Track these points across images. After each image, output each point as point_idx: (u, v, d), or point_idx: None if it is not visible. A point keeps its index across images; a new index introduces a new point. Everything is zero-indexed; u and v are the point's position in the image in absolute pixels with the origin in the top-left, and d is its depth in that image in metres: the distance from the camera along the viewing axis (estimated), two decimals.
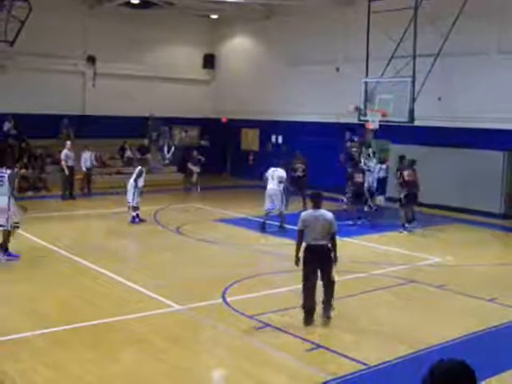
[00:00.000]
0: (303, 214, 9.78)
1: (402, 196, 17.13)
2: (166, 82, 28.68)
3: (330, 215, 9.51)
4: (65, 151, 21.91)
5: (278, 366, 8.03)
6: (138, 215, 17.54)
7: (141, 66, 27.78)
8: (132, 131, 26.85)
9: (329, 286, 9.55)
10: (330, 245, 9.50)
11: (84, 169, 22.83)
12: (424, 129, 20.39)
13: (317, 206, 9.63)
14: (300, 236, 9.54)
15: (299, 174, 20.25)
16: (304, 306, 9.46)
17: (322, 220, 9.41)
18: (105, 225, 17.76)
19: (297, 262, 9.54)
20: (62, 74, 26.07)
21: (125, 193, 17.71)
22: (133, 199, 17.43)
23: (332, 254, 9.49)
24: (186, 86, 29.62)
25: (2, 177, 12.79)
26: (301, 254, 9.48)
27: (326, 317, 9.53)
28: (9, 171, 12.92)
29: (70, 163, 21.87)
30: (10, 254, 12.93)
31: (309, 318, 9.41)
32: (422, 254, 14.67)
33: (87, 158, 22.84)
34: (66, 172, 21.73)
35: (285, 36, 26.78)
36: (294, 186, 19.58)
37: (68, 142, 22.30)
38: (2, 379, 7.46)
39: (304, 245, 9.51)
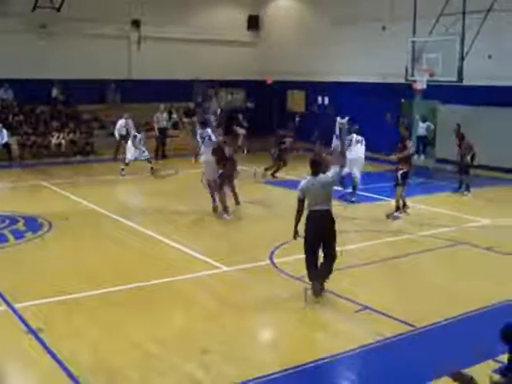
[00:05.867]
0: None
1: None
2: (210, 45, 28.50)
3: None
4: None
5: (325, 327, 8.09)
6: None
7: (185, 28, 27.66)
8: (178, 95, 26.91)
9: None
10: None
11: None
12: (473, 88, 19.94)
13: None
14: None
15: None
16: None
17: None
18: (152, 187, 18.00)
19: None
20: (108, 39, 26.17)
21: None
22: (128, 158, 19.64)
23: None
24: (231, 48, 29.44)
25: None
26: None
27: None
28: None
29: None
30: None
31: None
32: (471, 215, 14.46)
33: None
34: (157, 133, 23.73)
35: None
36: None
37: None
38: (41, 328, 7.75)
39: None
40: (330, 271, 9.08)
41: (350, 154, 15.54)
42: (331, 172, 9.34)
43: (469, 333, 7.94)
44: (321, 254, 9.07)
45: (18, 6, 23.62)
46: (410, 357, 7.32)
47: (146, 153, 19.90)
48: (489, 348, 6.92)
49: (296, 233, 9.08)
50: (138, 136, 19.77)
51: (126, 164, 19.47)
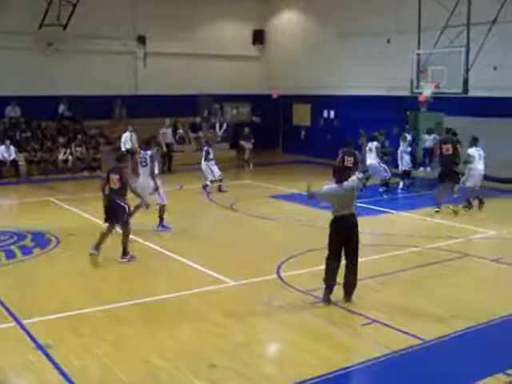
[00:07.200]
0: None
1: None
2: (215, 60, 28.66)
3: None
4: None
5: (332, 341, 8.05)
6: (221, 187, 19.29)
7: (190, 43, 27.78)
8: (183, 109, 27.01)
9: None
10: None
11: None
12: (479, 99, 19.95)
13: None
14: None
15: None
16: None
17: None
18: None
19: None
20: (114, 55, 26.33)
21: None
22: (214, 175, 18.99)
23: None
24: (236, 63, 29.55)
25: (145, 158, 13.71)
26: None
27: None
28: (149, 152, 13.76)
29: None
30: (164, 226, 14.14)
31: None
32: (476, 227, 14.43)
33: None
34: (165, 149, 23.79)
35: (335, 8, 26.36)
36: None
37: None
38: (49, 344, 7.77)
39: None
40: (355, 283, 9.32)
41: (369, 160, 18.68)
42: (355, 177, 9.56)
43: (478, 346, 7.90)
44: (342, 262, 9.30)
45: (25, 24, 23.74)
46: (419, 370, 7.28)
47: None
48: (499, 361, 6.89)
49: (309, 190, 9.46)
50: (211, 151, 19.12)
51: (212, 181, 19.08)
